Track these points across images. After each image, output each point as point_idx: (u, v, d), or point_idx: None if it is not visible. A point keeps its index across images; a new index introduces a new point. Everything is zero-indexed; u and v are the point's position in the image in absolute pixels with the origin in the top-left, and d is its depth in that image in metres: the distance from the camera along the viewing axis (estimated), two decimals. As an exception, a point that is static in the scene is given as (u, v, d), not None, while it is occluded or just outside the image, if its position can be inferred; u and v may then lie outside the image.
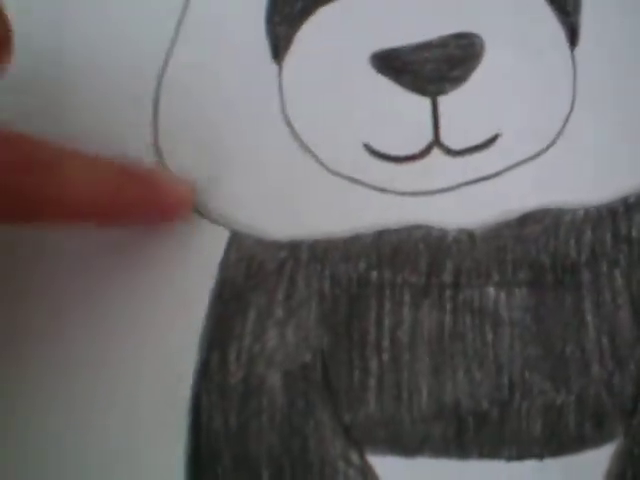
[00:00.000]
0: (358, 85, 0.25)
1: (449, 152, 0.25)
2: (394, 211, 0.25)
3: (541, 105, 0.25)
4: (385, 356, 0.24)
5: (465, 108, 0.24)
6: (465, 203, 0.25)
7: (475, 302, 0.24)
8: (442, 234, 0.24)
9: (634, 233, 0.24)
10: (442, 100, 0.25)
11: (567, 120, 0.25)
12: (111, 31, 0.26)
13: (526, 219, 0.24)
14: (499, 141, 0.25)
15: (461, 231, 0.24)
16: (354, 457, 0.23)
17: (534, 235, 0.24)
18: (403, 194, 0.25)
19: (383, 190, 0.25)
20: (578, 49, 0.25)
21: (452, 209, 0.25)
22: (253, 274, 0.25)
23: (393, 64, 0.25)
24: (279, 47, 0.25)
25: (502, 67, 0.25)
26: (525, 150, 0.25)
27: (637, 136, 0.25)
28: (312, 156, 0.25)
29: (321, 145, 0.25)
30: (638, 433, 0.23)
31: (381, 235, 0.24)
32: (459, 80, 0.25)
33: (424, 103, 0.25)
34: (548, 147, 0.25)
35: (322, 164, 0.25)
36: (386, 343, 0.24)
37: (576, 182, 0.25)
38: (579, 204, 0.24)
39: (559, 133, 0.25)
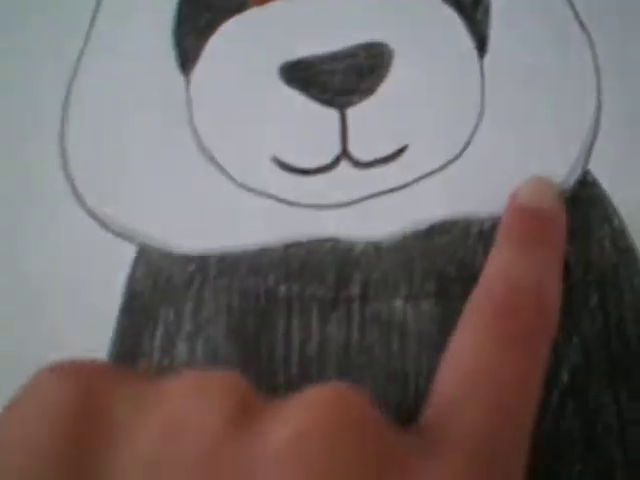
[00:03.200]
0: (267, 97, 0.25)
1: (357, 164, 0.25)
2: (302, 224, 0.24)
3: (449, 116, 0.25)
4: (294, 370, 0.24)
5: (373, 120, 0.24)
6: (373, 215, 0.25)
7: (383, 314, 0.24)
8: (350, 247, 0.24)
9: (540, 243, 0.24)
10: (350, 112, 0.24)
11: (475, 131, 0.25)
12: (22, 43, 0.26)
13: (434, 231, 0.24)
14: (407, 153, 0.25)
15: (369, 244, 0.24)
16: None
17: (442, 246, 0.24)
18: (311, 207, 0.25)
19: (291, 203, 0.24)
20: (486, 59, 0.25)
21: (360, 221, 0.24)
22: (161, 288, 0.25)
23: (301, 75, 0.24)
24: (187, 59, 0.25)
25: (410, 78, 0.25)
26: (433, 161, 0.25)
27: (543, 146, 0.25)
28: (220, 169, 0.25)
29: (230, 158, 0.25)
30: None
31: (289, 249, 0.24)
32: (367, 92, 0.24)
33: (333, 115, 0.24)
34: (456, 158, 0.25)
35: (230, 177, 0.25)
36: (295, 357, 0.24)
37: (484, 193, 0.25)
38: (487, 215, 0.25)
39: (467, 144, 0.25)
